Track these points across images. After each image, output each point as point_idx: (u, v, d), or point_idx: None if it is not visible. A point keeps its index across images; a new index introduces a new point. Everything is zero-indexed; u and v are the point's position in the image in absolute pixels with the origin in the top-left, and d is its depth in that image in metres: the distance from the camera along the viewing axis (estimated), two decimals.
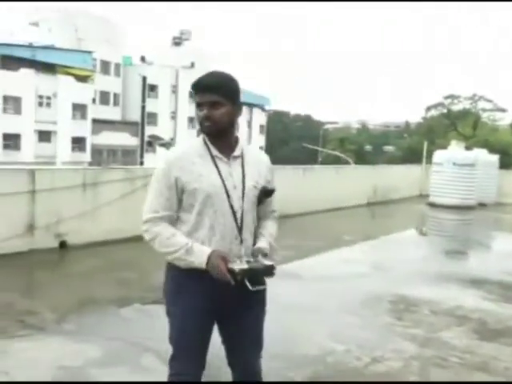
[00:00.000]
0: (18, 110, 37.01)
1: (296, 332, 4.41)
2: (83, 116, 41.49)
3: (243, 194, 2.19)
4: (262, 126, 60.26)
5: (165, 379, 2.31)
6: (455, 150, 15.26)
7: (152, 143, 44.95)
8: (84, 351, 3.70)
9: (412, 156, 36.11)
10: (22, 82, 36.09)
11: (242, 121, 53.35)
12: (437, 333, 4.53)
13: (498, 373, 3.82)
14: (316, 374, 3.65)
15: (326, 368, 3.74)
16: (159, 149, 38.61)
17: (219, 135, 2.19)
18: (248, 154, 2.27)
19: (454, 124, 50.68)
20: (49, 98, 39.20)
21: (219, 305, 2.18)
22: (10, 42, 37.16)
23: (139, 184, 7.34)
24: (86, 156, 41.16)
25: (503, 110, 50.21)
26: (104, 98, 46.09)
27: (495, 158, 16.65)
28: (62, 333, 4.07)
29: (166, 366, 2.31)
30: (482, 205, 15.01)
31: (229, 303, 2.18)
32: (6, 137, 36.31)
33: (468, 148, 16.71)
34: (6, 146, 36.30)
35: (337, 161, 39.15)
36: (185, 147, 2.26)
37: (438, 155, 15.36)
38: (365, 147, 57.56)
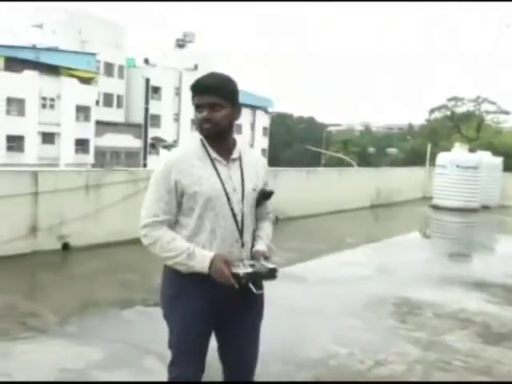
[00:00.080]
0: (21, 112, 37.10)
1: (298, 335, 4.39)
2: (87, 118, 41.57)
3: (243, 196, 2.18)
4: (265, 128, 60.28)
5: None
6: (459, 153, 15.22)
7: (155, 145, 45.00)
8: (86, 354, 3.70)
9: (415, 158, 36.06)
10: (26, 84, 36.18)
11: (244, 123, 53.41)
12: (440, 336, 4.51)
13: (501, 377, 3.79)
14: (318, 377, 3.63)
15: (328, 371, 3.72)
16: (162, 151, 38.63)
17: (218, 137, 2.16)
18: (245, 156, 2.25)
19: (458, 126, 50.59)
20: (52, 99, 39.28)
21: (219, 309, 2.17)
22: (13, 44, 37.28)
23: (142, 186, 7.33)
24: (90, 158, 41.22)
25: (507, 113, 50.10)
26: (107, 99, 46.18)
27: (499, 160, 16.60)
28: (65, 335, 4.07)
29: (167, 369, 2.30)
30: (485, 207, 14.97)
31: (228, 307, 2.17)
32: (10, 138, 36.38)
33: (472, 150, 16.66)
34: (9, 148, 36.37)
35: (340, 163, 39.14)
36: (183, 150, 2.22)
37: (442, 157, 15.33)
38: (368, 149, 57.44)
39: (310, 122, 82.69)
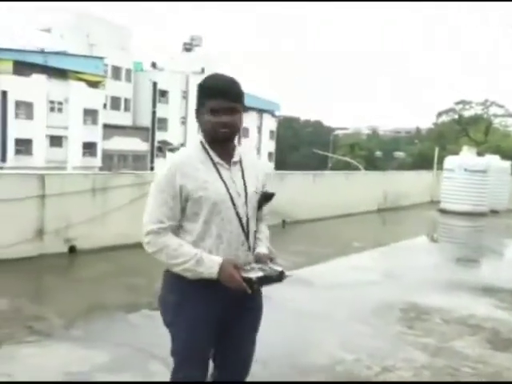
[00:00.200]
0: (29, 116, 37.33)
1: (305, 339, 4.36)
2: (94, 121, 41.76)
3: (246, 199, 2.17)
4: (271, 132, 60.28)
5: None
6: (467, 156, 15.13)
7: (162, 148, 45.14)
8: (91, 357, 3.68)
9: (423, 162, 35.95)
10: (34, 88, 36.41)
11: (251, 126, 53.45)
12: (449, 342, 4.45)
13: None
14: None
15: (335, 377, 3.68)
16: (169, 154, 38.75)
17: (229, 141, 2.16)
18: (245, 159, 2.24)
19: (466, 130, 50.40)
20: (60, 103, 39.51)
21: (222, 313, 2.16)
22: (22, 48, 37.53)
23: (149, 189, 7.32)
24: (97, 161, 41.39)
25: None
26: (115, 103, 46.38)
27: (507, 164, 16.49)
28: (70, 339, 4.05)
29: None
30: (494, 211, 14.86)
31: (231, 310, 2.16)
32: (18, 142, 36.61)
33: (480, 154, 16.57)
34: (17, 151, 36.60)
35: (347, 167, 39.04)
36: (186, 153, 2.17)
37: (450, 161, 15.24)
38: (375, 153, 57.32)
39: (317, 125, 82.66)
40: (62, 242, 6.70)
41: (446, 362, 4.01)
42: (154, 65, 50.29)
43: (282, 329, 4.58)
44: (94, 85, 41.59)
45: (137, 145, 45.62)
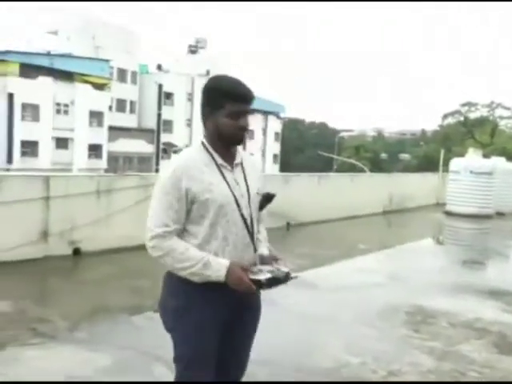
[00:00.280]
0: (36, 118, 37.49)
1: (310, 342, 4.33)
2: (100, 123, 41.89)
3: (249, 201, 2.17)
4: (277, 134, 60.25)
5: None
6: (473, 158, 15.06)
7: (167, 150, 45.21)
8: (95, 360, 3.67)
9: (428, 164, 35.83)
10: (41, 90, 36.56)
11: (256, 128, 53.46)
12: (455, 346, 4.41)
13: None
14: None
15: (340, 381, 3.65)
16: (173, 156, 38.79)
17: (241, 143, 2.19)
18: (245, 161, 2.24)
19: (471, 132, 50.24)
20: (66, 105, 39.67)
21: (228, 316, 2.15)
22: (28, 51, 37.71)
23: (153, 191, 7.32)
24: (103, 163, 41.49)
25: None
26: (120, 105, 46.51)
27: None
28: (74, 341, 4.04)
29: None
30: (499, 214, 14.77)
31: (235, 313, 2.16)
32: (24, 144, 36.76)
33: (486, 156, 16.49)
34: (23, 153, 36.75)
35: (352, 169, 38.95)
36: (190, 156, 2.14)
37: (455, 163, 15.17)
38: (380, 155, 57.17)
39: (322, 127, 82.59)
40: (66, 244, 6.70)
41: (452, 366, 3.97)
42: (159, 67, 50.41)
43: (287, 332, 4.56)
44: (99, 87, 41.73)
45: (142, 147, 45.71)
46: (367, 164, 43.02)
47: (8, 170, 31.67)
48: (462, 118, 52.61)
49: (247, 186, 2.17)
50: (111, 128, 42.48)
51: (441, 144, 40.38)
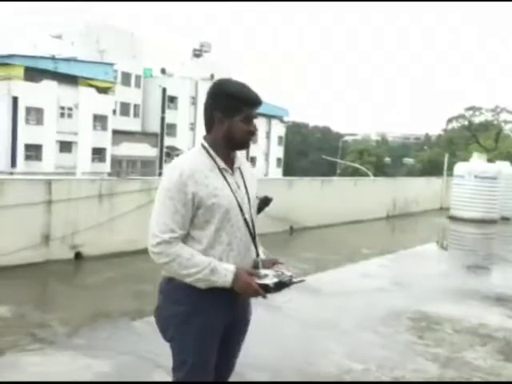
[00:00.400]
0: (40, 121, 37.55)
1: (312, 348, 4.29)
2: (104, 127, 41.94)
3: (250, 205, 2.16)
4: (280, 138, 60.22)
5: None
6: (477, 163, 14.99)
7: (170, 154, 45.24)
8: (94, 366, 3.62)
9: (432, 168, 35.76)
10: (45, 94, 36.64)
11: (260, 132, 53.45)
12: (460, 352, 4.35)
13: None
14: None
15: None
16: (175, 159, 38.74)
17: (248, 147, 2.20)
18: (243, 165, 2.23)
19: (476, 136, 50.13)
20: (70, 109, 39.72)
21: (229, 322, 2.14)
22: (33, 55, 37.83)
23: (155, 195, 7.29)
24: (106, 166, 41.52)
25: None
26: (124, 109, 46.58)
27: None
28: (73, 347, 4.00)
29: None
30: (504, 218, 14.69)
31: (236, 318, 2.16)
32: (28, 147, 36.81)
33: (490, 160, 16.42)
34: (27, 157, 36.80)
35: (355, 173, 38.91)
36: (193, 159, 2.10)
37: (460, 168, 15.11)
38: (384, 159, 57.10)
39: (326, 131, 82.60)
40: (68, 248, 6.67)
41: (456, 373, 3.92)
42: (163, 71, 50.51)
43: (290, 337, 4.52)
44: (103, 91, 41.82)
45: (145, 150, 45.74)
46: (371, 168, 42.97)
47: (12, 173, 31.72)
48: (466, 123, 52.51)
49: (247, 190, 2.17)
50: (115, 132, 42.53)
51: (445, 148, 40.34)
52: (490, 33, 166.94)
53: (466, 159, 16.86)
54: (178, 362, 2.12)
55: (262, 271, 2.08)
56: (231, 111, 2.07)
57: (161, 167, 44.59)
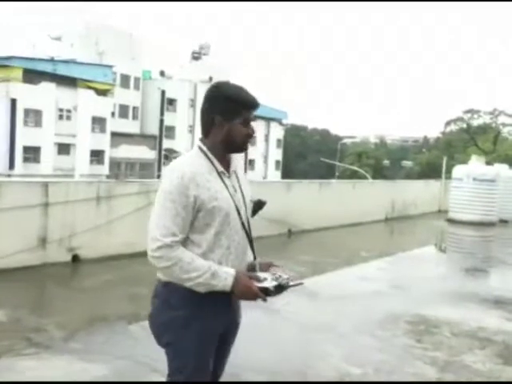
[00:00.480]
0: (38, 123, 37.50)
1: (310, 351, 4.26)
2: (102, 129, 41.89)
3: (246, 208, 2.15)
4: (279, 140, 60.22)
5: None
6: (475, 165, 14.99)
7: (168, 157, 45.22)
8: (90, 371, 3.60)
9: (431, 171, 35.78)
10: (43, 96, 36.61)
11: (258, 135, 53.48)
12: (458, 356, 4.33)
13: None
14: None
15: None
16: (174, 162, 38.74)
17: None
18: (237, 168, 2.22)
19: (474, 139, 50.19)
20: (69, 111, 39.68)
21: (226, 325, 2.13)
22: (32, 56, 37.81)
23: (153, 198, 7.26)
24: (105, 169, 41.47)
25: None
26: (123, 111, 46.55)
27: None
28: (69, 351, 3.97)
29: None
30: (503, 221, 14.69)
31: (233, 320, 2.16)
32: (26, 149, 36.76)
33: (488, 163, 16.43)
34: (25, 159, 36.74)
35: (354, 175, 38.91)
36: (192, 162, 2.08)
37: (458, 170, 15.12)
38: (383, 162, 57.13)
39: (325, 133, 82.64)
40: (65, 250, 6.64)
41: (455, 377, 3.90)
42: (162, 73, 50.51)
43: (287, 340, 4.49)
44: (102, 93, 41.79)
45: (144, 153, 45.70)
46: (369, 171, 43.00)
47: (10, 175, 31.67)
48: (464, 125, 52.58)
49: (242, 193, 2.16)
50: (114, 134, 42.48)
51: (443, 151, 40.38)
52: (490, 33, 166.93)
53: (464, 162, 16.86)
54: (177, 367, 2.09)
55: (261, 274, 2.07)
56: (230, 114, 2.07)
57: (159, 169, 44.55)
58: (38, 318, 4.77)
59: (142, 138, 46.47)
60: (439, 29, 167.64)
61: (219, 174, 2.08)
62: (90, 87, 40.59)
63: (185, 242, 2.02)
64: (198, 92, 46.79)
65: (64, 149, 39.43)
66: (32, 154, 37.17)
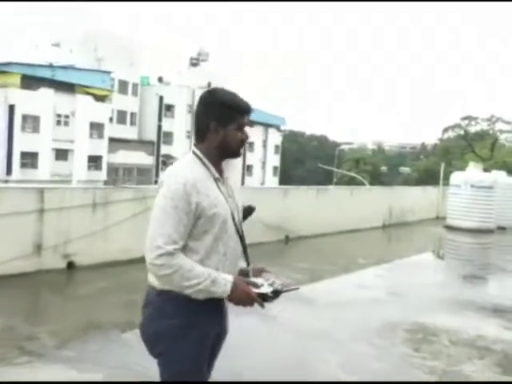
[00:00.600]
0: (36, 129, 37.47)
1: (305, 360, 4.22)
2: (100, 135, 41.87)
3: (238, 214, 2.16)
4: (277, 146, 60.28)
5: None
6: (473, 172, 14.98)
7: (166, 162, 45.19)
8: (83, 380, 3.54)
9: (428, 178, 35.81)
10: (41, 102, 36.60)
11: (256, 141, 53.52)
12: (457, 366, 4.29)
13: None
14: None
15: None
16: (171, 168, 38.71)
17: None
18: (229, 174, 2.22)
19: (471, 145, 50.28)
20: (67, 116, 39.67)
21: (219, 332, 2.13)
22: (30, 62, 37.81)
23: (150, 204, 7.22)
24: (102, 174, 41.41)
25: None
26: (121, 117, 46.56)
27: None
28: (62, 360, 3.91)
29: None
30: (501, 228, 14.66)
31: (224, 326, 2.17)
32: (24, 155, 36.71)
33: (486, 170, 16.42)
34: (23, 165, 36.68)
35: (352, 181, 38.92)
36: (191, 169, 2.06)
37: (456, 177, 15.11)
38: (380, 168, 57.16)
39: (323, 139, 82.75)
40: (60, 257, 6.58)
41: None
42: (160, 79, 50.56)
43: (282, 347, 4.45)
44: (100, 99, 41.81)
45: (142, 158, 45.69)
46: (367, 177, 42.99)
47: (7, 181, 31.58)
48: (462, 132, 52.68)
49: (234, 199, 2.17)
50: (111, 139, 42.46)
51: (441, 157, 40.42)
52: (490, 33, 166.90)
53: (462, 168, 16.85)
54: (172, 374, 2.06)
55: (258, 280, 2.06)
56: (225, 120, 2.07)
57: (157, 175, 44.57)
58: (32, 326, 4.70)
59: (139, 143, 46.46)
60: (439, 29, 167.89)
61: (215, 180, 2.07)
62: (88, 93, 40.63)
63: (183, 249, 1.99)
64: (196, 98, 46.73)
65: (62, 154, 39.39)
66: (30, 159, 37.12)
